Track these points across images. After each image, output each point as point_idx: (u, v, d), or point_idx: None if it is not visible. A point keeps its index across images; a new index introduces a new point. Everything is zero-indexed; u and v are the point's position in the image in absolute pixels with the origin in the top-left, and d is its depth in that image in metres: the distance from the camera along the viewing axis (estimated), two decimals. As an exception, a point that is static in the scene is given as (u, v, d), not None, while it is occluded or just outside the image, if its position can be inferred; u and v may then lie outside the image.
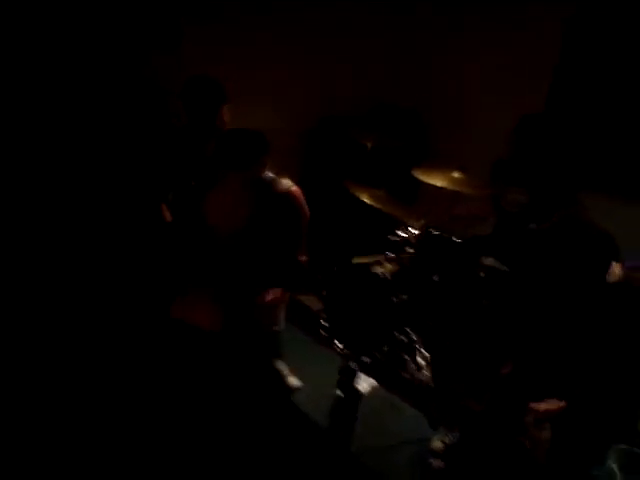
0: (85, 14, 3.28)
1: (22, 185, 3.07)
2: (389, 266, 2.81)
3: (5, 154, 3.06)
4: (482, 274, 2.98)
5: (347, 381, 2.27)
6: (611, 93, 3.84)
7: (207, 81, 3.12)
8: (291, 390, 3.11)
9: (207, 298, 2.70)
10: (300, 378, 3.21)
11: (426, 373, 2.87)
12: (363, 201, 3.00)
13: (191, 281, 2.77)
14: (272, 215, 2.86)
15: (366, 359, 2.68)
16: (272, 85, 4.04)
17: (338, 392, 2.43)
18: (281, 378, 3.12)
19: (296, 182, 3.01)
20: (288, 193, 2.94)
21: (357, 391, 2.13)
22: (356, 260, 2.81)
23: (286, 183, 2.96)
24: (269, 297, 2.86)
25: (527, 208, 3.52)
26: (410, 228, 3.08)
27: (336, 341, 2.60)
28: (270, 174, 2.94)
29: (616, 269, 2.55)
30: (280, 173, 3.00)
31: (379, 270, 2.73)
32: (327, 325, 2.65)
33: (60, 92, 3.24)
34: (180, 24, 3.69)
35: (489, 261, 3.10)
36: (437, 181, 2.79)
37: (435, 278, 2.86)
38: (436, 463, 2.76)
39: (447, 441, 2.82)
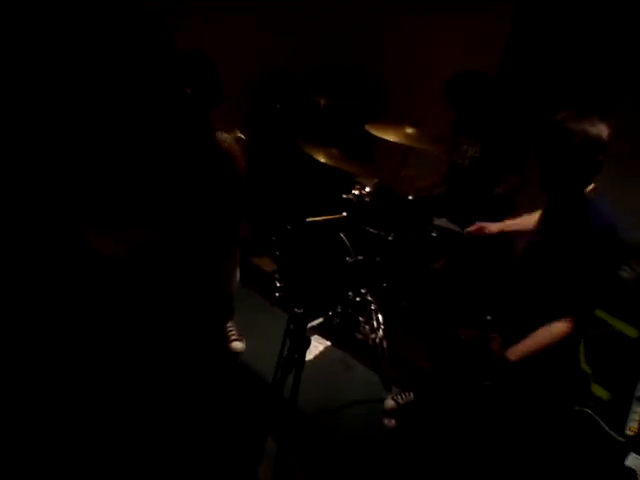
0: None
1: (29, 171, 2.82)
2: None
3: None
4: (434, 234, 2.98)
5: (296, 329, 2.22)
6: (560, 54, 3.87)
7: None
8: (236, 354, 3.04)
9: None
10: (251, 340, 3.16)
11: (380, 334, 2.87)
12: (316, 159, 2.93)
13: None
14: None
15: (320, 319, 2.65)
16: (222, 36, 3.86)
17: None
18: (227, 341, 3.05)
19: (246, 135, 2.82)
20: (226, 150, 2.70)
21: (306, 339, 2.09)
22: (310, 219, 2.75)
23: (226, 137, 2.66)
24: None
25: (479, 162, 3.55)
26: (364, 186, 3.04)
27: (290, 302, 2.55)
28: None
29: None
30: (228, 126, 2.85)
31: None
32: (281, 286, 2.60)
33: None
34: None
35: (442, 221, 3.11)
36: (390, 137, 2.74)
37: (390, 238, 2.84)
38: (389, 422, 2.77)
39: (400, 401, 2.84)
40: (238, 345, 3.06)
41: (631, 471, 2.21)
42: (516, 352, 2.22)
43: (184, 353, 2.33)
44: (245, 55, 3.98)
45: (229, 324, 3.11)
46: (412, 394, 2.86)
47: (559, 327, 2.27)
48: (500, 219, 3.16)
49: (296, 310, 2.51)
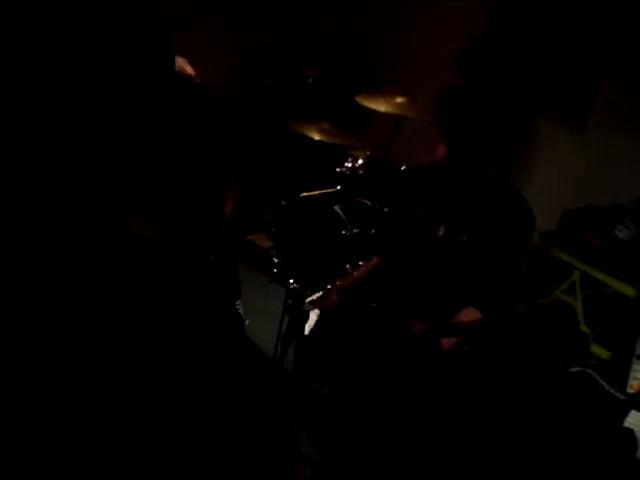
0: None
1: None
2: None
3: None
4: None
5: (294, 304, 2.24)
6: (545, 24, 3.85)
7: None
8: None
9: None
10: (252, 317, 3.18)
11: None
12: (308, 135, 2.92)
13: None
14: None
15: (319, 293, 2.66)
16: (205, 17, 3.80)
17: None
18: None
19: (237, 119, 2.85)
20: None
21: (305, 313, 2.10)
22: (304, 194, 2.74)
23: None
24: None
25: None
26: (357, 158, 3.03)
27: (288, 277, 2.56)
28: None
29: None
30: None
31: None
32: (278, 262, 2.60)
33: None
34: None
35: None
36: (381, 107, 2.72)
37: (385, 209, 2.83)
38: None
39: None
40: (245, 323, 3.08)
41: (629, 431, 2.23)
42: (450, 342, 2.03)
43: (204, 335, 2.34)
44: (227, 36, 3.92)
45: (237, 302, 3.13)
46: None
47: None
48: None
49: (294, 285, 2.53)
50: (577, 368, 3.27)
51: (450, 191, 2.22)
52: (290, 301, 2.15)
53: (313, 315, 2.76)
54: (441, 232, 2.16)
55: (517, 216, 2.13)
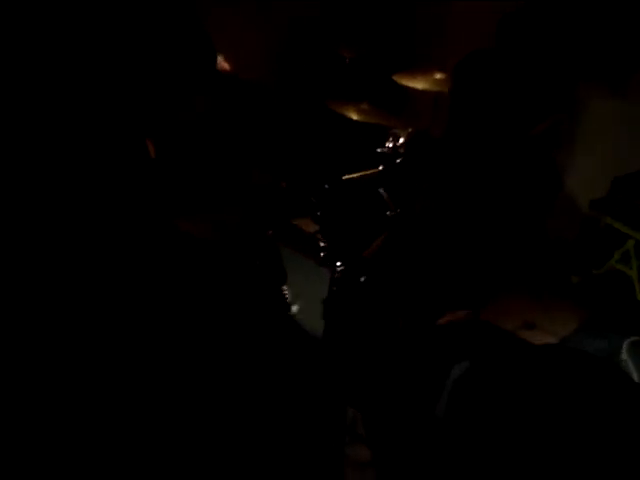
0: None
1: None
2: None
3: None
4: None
5: (343, 278, 2.26)
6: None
7: None
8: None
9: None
10: (302, 302, 3.22)
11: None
12: (347, 117, 2.91)
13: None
14: None
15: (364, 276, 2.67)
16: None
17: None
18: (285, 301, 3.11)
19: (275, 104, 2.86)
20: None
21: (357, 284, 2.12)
22: (347, 177, 2.75)
23: None
24: None
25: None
26: (398, 137, 3.01)
27: (335, 260, 2.58)
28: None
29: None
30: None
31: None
32: (325, 245, 2.62)
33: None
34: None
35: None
36: (419, 84, 2.70)
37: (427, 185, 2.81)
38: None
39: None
40: (293, 308, 3.12)
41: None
42: None
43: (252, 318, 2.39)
44: (259, 19, 3.89)
45: (284, 287, 3.17)
46: None
47: None
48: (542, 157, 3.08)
49: (341, 267, 2.54)
50: (635, 338, 3.20)
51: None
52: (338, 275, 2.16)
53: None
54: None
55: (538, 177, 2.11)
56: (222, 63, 2.77)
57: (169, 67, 2.29)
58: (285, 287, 3.18)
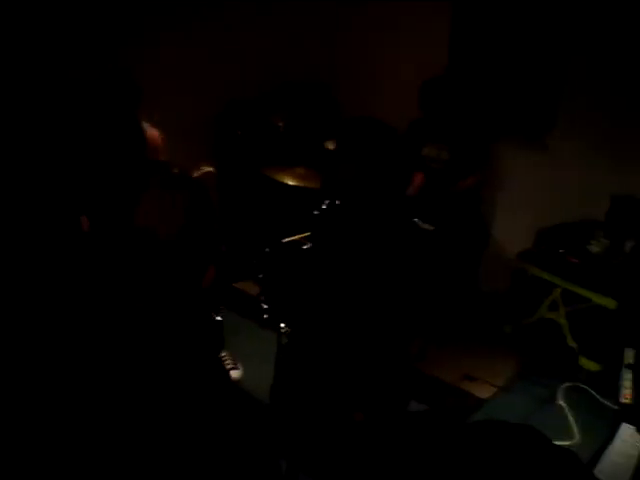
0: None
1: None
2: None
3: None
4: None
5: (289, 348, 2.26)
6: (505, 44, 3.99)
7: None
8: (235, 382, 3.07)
9: None
10: (247, 365, 3.19)
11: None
12: (284, 182, 3.00)
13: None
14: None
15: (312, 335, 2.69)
16: (177, 71, 3.90)
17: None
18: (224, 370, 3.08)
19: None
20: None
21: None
22: (286, 239, 2.80)
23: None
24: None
25: (450, 165, 3.67)
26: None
27: (279, 322, 2.60)
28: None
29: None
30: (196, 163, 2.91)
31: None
32: (268, 307, 2.64)
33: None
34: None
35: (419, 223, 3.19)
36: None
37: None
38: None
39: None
40: (235, 373, 3.09)
41: None
42: None
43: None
44: (200, 89, 4.02)
45: (223, 353, 3.14)
46: None
47: None
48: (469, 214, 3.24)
49: (285, 328, 2.56)
50: (569, 383, 3.32)
51: None
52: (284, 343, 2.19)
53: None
54: None
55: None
56: (152, 132, 2.82)
57: (103, 152, 2.40)
58: (224, 353, 3.15)
